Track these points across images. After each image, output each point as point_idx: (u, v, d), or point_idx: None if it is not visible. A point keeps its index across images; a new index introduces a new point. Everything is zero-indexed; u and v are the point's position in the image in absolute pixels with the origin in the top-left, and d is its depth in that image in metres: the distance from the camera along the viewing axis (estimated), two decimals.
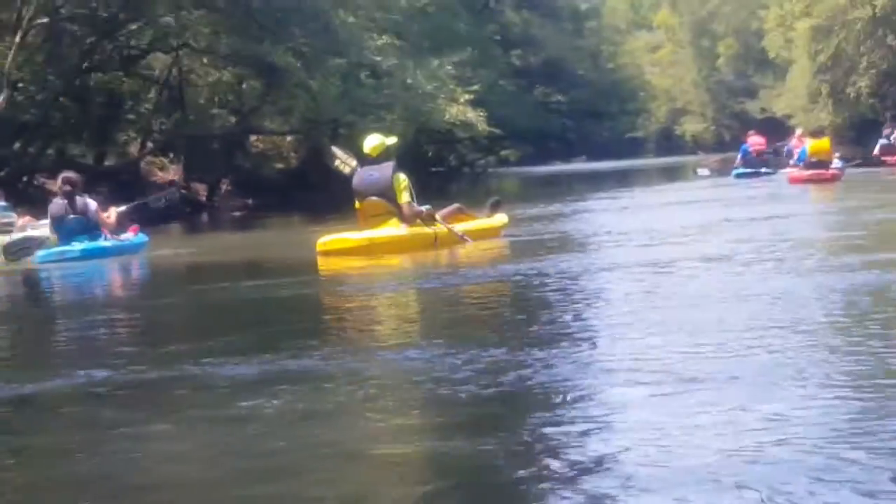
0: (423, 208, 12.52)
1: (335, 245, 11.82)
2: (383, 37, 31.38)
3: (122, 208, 15.47)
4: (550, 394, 4.31)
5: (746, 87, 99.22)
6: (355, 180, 12.39)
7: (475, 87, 35.94)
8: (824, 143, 23.91)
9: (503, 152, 70.96)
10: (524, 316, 6.94)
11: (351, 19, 30.68)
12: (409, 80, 30.78)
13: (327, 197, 32.13)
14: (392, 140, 13.00)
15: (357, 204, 12.43)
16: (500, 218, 13.76)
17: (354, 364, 5.31)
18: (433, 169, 45.20)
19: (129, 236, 14.95)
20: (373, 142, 12.64)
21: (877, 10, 47.07)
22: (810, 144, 23.91)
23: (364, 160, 12.55)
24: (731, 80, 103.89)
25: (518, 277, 8.85)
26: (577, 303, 7.19)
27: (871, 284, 6.86)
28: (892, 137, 31.25)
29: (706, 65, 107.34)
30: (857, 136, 58.52)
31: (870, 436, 3.39)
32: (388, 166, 12.30)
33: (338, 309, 8.08)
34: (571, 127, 70.37)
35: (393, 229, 12.10)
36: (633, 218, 16.96)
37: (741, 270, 8.28)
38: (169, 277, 12.84)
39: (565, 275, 8.72)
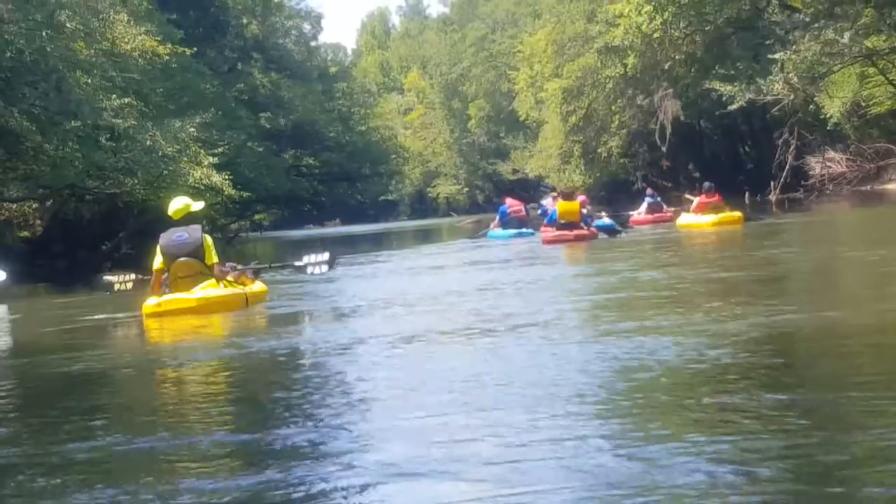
0: (228, 267, 12.85)
1: (168, 306, 11.83)
2: (122, 98, 29.06)
3: None
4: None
5: (498, 149, 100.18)
6: (163, 241, 12.33)
7: (220, 150, 33.93)
8: (574, 204, 23.99)
9: (256, 216, 68.98)
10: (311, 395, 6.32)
11: (86, 79, 28.33)
12: (148, 143, 28.58)
13: (71, 265, 29.84)
14: (200, 204, 13.15)
15: (160, 265, 12.29)
16: (260, 285, 13.50)
17: None
18: None
19: None
20: (177, 204, 12.68)
21: (627, 70, 47.17)
22: (560, 206, 24.09)
23: (170, 223, 12.58)
24: (483, 141, 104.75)
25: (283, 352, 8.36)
26: (323, 387, 6.61)
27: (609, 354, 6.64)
28: (656, 196, 32.00)
29: (458, 126, 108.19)
30: (608, 195, 59.18)
31: None
32: (196, 228, 12.44)
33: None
34: (324, 190, 69.02)
35: (217, 290, 12.19)
36: (385, 284, 16.27)
37: (490, 343, 7.84)
38: None
39: (319, 350, 8.38)
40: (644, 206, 31.46)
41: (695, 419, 4.78)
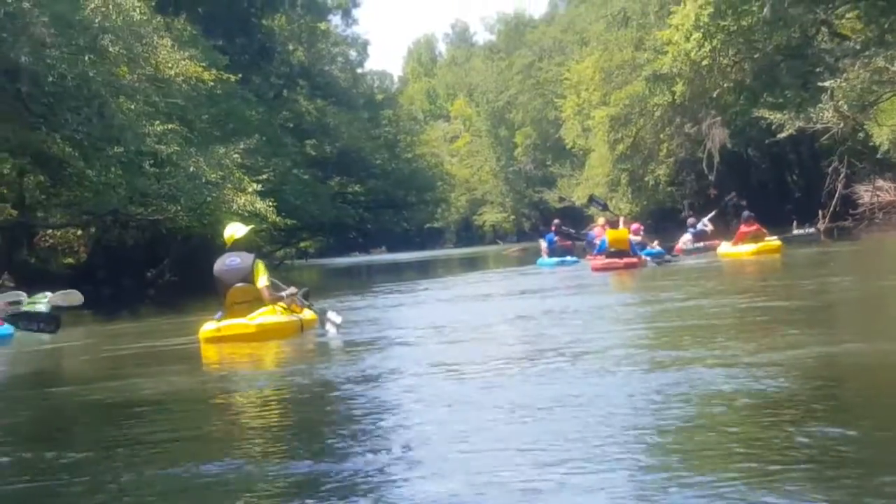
0: (285, 292, 12.83)
1: (227, 332, 11.93)
2: (165, 123, 29.04)
3: None
4: None
5: (545, 177, 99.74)
6: (216, 267, 12.57)
7: (264, 177, 33.78)
8: (622, 232, 24.47)
9: (302, 244, 68.99)
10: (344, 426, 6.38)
11: (128, 104, 28.39)
12: (192, 169, 28.51)
13: (116, 292, 29.85)
14: (243, 230, 13.13)
15: (222, 290, 12.48)
16: (310, 313, 13.54)
17: None
18: None
19: None
20: (228, 231, 12.99)
21: (675, 98, 46.77)
22: (609, 234, 24.38)
23: (225, 248, 12.85)
24: (529, 169, 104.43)
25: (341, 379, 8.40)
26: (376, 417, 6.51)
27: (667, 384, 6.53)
28: (700, 223, 32.01)
29: (504, 154, 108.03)
30: (655, 224, 58.66)
31: None
32: (248, 253, 12.69)
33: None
34: (370, 218, 68.96)
35: (275, 316, 12.33)
36: (434, 312, 16.19)
37: (542, 373, 7.79)
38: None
39: (370, 379, 8.25)
40: (689, 235, 31.36)
41: (746, 455, 4.66)
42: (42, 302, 19.73)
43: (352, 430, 5.99)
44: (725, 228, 32.30)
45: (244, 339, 11.86)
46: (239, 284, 12.34)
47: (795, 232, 28.86)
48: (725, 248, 26.52)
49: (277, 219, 32.37)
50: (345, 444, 5.58)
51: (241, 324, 12.02)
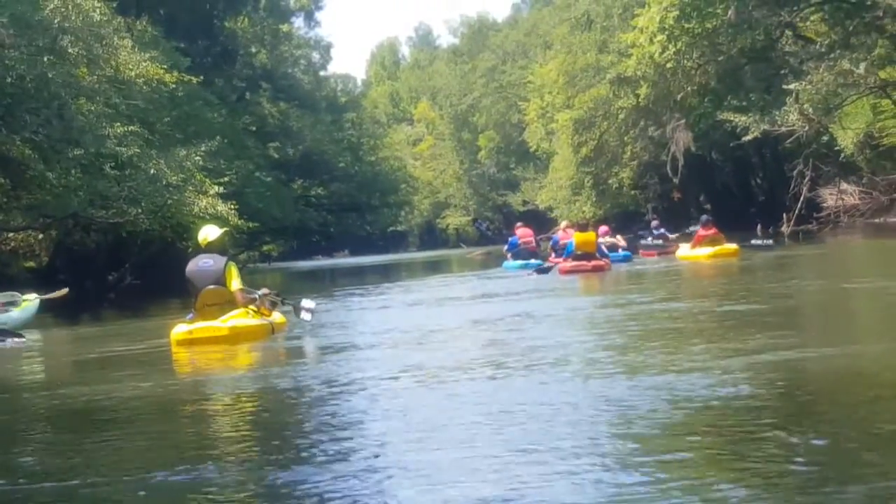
0: (256, 294, 12.95)
1: (199, 334, 11.92)
2: (126, 125, 28.66)
3: None
4: None
5: (508, 180, 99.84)
6: (189, 268, 12.55)
7: (226, 179, 33.45)
8: (590, 235, 24.57)
9: (265, 247, 68.61)
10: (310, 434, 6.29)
11: (89, 106, 28.00)
12: (152, 171, 28.14)
13: (77, 295, 29.46)
14: (216, 232, 13.02)
15: (194, 292, 12.46)
16: (279, 316, 13.60)
17: None
18: None
19: None
20: (202, 233, 12.98)
21: (640, 100, 46.72)
22: (576, 237, 24.42)
23: (199, 250, 12.86)
24: (492, 172, 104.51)
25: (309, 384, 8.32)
26: (338, 424, 6.48)
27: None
28: (661, 228, 32.47)
29: (468, 157, 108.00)
30: (618, 227, 58.62)
31: None
32: (221, 255, 12.66)
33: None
34: (333, 221, 68.71)
35: (246, 319, 12.37)
36: (401, 316, 16.00)
37: (507, 379, 7.64)
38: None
39: (338, 385, 8.07)
40: (650, 238, 31.71)
41: (714, 459, 4.73)
42: (33, 301, 20.17)
43: (320, 437, 5.91)
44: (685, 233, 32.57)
45: (216, 341, 11.85)
46: (211, 287, 12.36)
47: (753, 242, 29.07)
48: (684, 251, 26.93)
49: (239, 221, 32.04)
50: (313, 452, 5.49)
51: (213, 326, 12.02)
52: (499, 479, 4.52)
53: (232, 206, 30.83)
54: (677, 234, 31.58)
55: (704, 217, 27.17)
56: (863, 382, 6.36)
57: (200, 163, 31.66)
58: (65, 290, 21.87)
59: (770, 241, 30.66)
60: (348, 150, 71.35)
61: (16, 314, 19.31)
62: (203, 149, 32.14)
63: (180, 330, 12.09)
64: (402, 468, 4.93)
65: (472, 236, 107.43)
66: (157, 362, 11.17)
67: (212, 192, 30.44)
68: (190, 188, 29.76)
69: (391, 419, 6.35)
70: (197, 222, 28.62)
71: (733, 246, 25.79)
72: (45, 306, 20.72)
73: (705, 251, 25.16)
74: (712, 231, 25.83)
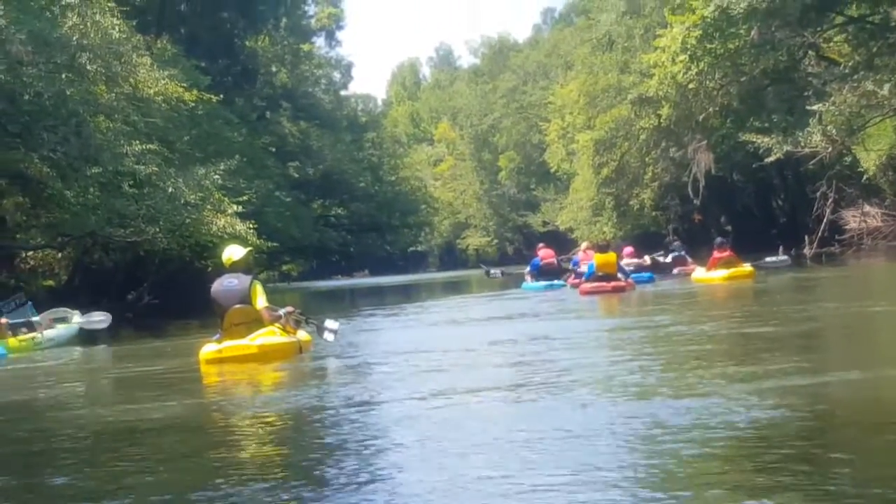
0: (281, 311, 12.92)
1: (229, 353, 12.03)
2: (144, 143, 28.56)
3: None
4: None
5: (528, 201, 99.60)
6: (214, 288, 12.67)
7: (244, 198, 33.29)
8: (610, 256, 24.80)
9: (284, 267, 68.52)
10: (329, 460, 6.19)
11: (107, 124, 27.95)
12: (170, 190, 28.02)
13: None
14: (240, 252, 13.15)
15: (220, 312, 12.54)
16: (304, 334, 13.67)
17: None
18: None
19: None
20: (226, 253, 13.06)
21: (661, 121, 46.44)
22: (596, 258, 24.67)
23: (224, 269, 12.96)
24: (513, 193, 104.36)
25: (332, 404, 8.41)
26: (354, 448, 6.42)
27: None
28: (682, 250, 32.42)
29: (488, 178, 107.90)
30: (639, 248, 58.33)
31: None
32: (246, 274, 12.75)
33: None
34: (352, 241, 68.63)
35: (275, 338, 12.42)
36: (426, 336, 16.05)
37: (526, 402, 7.71)
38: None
39: (362, 405, 8.19)
40: (670, 258, 31.72)
41: (732, 489, 4.60)
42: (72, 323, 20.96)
43: (342, 461, 5.92)
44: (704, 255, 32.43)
45: (246, 359, 11.97)
46: (237, 306, 12.45)
47: (767, 259, 28.99)
48: (700, 273, 27.10)
49: (258, 241, 31.87)
50: (335, 474, 5.55)
51: (242, 345, 12.14)
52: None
53: (251, 226, 30.66)
54: (689, 261, 31.44)
55: (719, 239, 27.28)
56: (885, 409, 6.22)
57: (219, 181, 31.51)
58: (108, 319, 21.93)
59: (785, 257, 30.56)
60: (368, 169, 71.25)
61: (63, 331, 20.07)
62: (222, 167, 32.02)
63: (210, 349, 12.24)
64: (426, 491, 4.92)
65: (492, 256, 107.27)
66: (182, 382, 11.33)
67: (230, 211, 30.29)
68: (208, 207, 29.60)
69: (415, 442, 6.33)
70: (216, 241, 28.62)
71: (749, 268, 25.92)
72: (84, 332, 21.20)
73: (721, 273, 25.25)
74: (727, 253, 25.94)
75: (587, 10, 74.93)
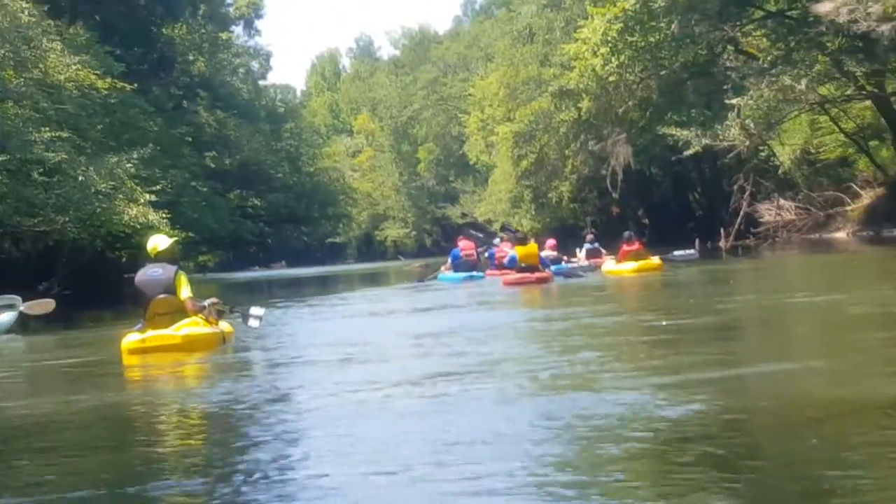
0: (206, 303, 12.87)
1: (153, 342, 11.91)
2: (55, 131, 27.89)
3: None
4: None
5: (447, 192, 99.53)
6: (138, 277, 12.63)
7: (158, 188, 32.71)
8: (532, 247, 24.81)
9: (200, 258, 67.74)
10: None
11: (15, 110, 27.27)
12: (80, 178, 27.41)
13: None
14: (166, 241, 13.06)
15: (143, 301, 12.46)
16: (226, 325, 13.52)
17: None
18: (126, 275, 41.27)
19: None
20: (150, 243, 12.95)
21: (581, 114, 46.53)
22: (519, 250, 24.66)
23: (148, 259, 12.84)
24: (432, 185, 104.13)
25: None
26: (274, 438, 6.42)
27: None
28: (595, 242, 32.01)
29: (407, 169, 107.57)
30: (557, 241, 58.42)
31: None
32: (171, 264, 12.66)
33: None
34: (270, 232, 68.05)
35: (199, 328, 12.37)
36: (341, 329, 15.72)
37: (442, 395, 7.51)
38: None
39: (279, 398, 8.16)
40: (583, 251, 31.39)
41: (646, 483, 4.62)
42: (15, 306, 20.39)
43: (261, 454, 5.83)
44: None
45: (169, 350, 11.87)
46: (161, 296, 12.39)
47: (676, 253, 29.25)
48: (609, 265, 27.41)
49: (172, 231, 31.35)
50: (253, 467, 5.46)
51: (166, 335, 12.05)
52: (425, 498, 4.54)
53: (164, 216, 30.15)
54: (603, 252, 31.58)
55: (627, 233, 27.74)
56: (800, 402, 6.14)
57: (133, 171, 30.96)
58: (52, 304, 21.27)
59: (693, 251, 30.85)
60: (286, 160, 70.69)
61: (6, 318, 19.68)
62: (136, 156, 31.45)
63: (132, 339, 12.08)
64: (340, 485, 4.90)
65: (410, 249, 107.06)
66: (102, 373, 11.16)
67: (143, 200, 29.73)
68: (120, 196, 29.05)
69: (332, 436, 6.22)
70: (128, 231, 28.12)
71: (657, 261, 26.34)
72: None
73: (630, 266, 25.60)
74: (636, 246, 26.36)
75: (508, 2, 75.12)
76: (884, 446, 4.67)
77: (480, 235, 32.06)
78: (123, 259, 43.69)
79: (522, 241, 25.31)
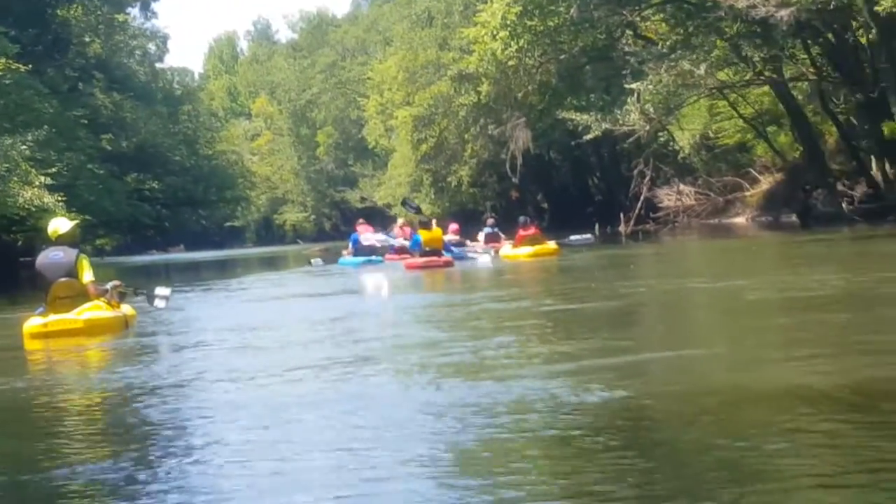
0: (108, 286, 12.85)
1: (55, 327, 11.80)
2: None
3: None
4: None
5: (347, 176, 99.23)
6: (39, 261, 12.53)
7: (54, 170, 32.11)
8: (437, 232, 24.92)
9: (97, 241, 66.70)
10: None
11: None
12: None
13: None
14: (67, 225, 12.90)
15: (44, 285, 12.34)
16: (128, 308, 13.37)
17: None
18: (22, 259, 40.58)
19: None
20: (51, 226, 12.80)
21: (481, 98, 46.65)
22: (423, 234, 24.71)
23: (49, 242, 12.68)
24: (331, 168, 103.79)
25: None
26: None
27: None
28: (495, 227, 32.05)
29: (306, 153, 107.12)
30: (457, 225, 58.61)
31: None
32: (72, 248, 12.56)
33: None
34: (168, 215, 67.24)
35: (101, 312, 12.27)
36: (240, 313, 15.47)
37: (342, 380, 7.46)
38: None
39: (181, 383, 8.04)
40: (482, 236, 31.47)
41: (546, 471, 4.56)
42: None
43: (160, 440, 5.78)
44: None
45: (71, 334, 11.73)
46: (63, 279, 12.27)
47: (572, 238, 29.61)
48: (506, 249, 27.51)
49: (69, 214, 30.83)
50: (154, 454, 5.40)
51: (68, 319, 11.93)
52: (327, 485, 4.47)
53: (60, 199, 29.63)
54: (502, 237, 31.73)
55: (523, 218, 27.96)
56: (698, 386, 6.16)
57: (27, 153, 30.36)
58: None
59: (589, 236, 31.27)
60: (184, 143, 70.02)
61: None
62: (30, 139, 30.84)
63: (34, 323, 11.96)
64: (239, 474, 4.79)
65: (310, 233, 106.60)
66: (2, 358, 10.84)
67: (38, 182, 29.18)
68: (15, 179, 28.48)
69: (233, 422, 6.16)
70: (23, 214, 27.56)
71: (553, 245, 26.63)
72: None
73: (526, 250, 25.81)
74: (532, 231, 26.63)
75: None
76: (784, 432, 4.69)
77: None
78: (19, 242, 42.88)
79: (426, 226, 25.26)
